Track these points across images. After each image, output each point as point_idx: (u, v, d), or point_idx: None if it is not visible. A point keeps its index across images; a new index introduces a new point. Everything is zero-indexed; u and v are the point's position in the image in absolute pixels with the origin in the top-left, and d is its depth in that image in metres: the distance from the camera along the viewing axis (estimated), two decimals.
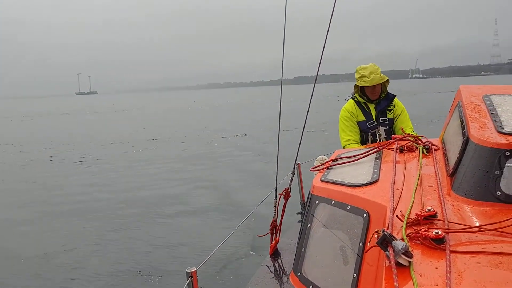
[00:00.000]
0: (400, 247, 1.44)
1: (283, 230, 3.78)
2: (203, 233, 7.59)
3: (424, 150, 2.63)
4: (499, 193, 1.82)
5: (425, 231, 1.58)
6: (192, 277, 2.52)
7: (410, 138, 2.87)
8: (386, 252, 1.47)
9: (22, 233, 8.15)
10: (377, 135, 4.28)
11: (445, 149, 2.54)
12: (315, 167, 2.88)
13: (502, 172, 1.85)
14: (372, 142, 4.23)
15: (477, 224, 1.69)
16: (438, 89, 76.06)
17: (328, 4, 3.40)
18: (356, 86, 4.37)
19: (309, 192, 2.60)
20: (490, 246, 1.52)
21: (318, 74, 3.57)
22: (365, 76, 4.19)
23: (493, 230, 1.60)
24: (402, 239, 1.55)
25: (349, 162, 2.72)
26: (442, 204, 1.83)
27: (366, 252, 1.77)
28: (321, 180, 2.46)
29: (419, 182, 2.12)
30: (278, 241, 3.58)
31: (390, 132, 4.30)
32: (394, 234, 1.55)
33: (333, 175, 2.51)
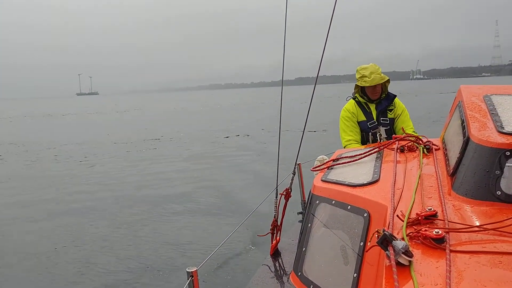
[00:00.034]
0: (400, 247, 1.44)
1: (284, 230, 3.79)
2: (204, 232, 7.60)
3: (425, 150, 2.63)
4: (499, 192, 1.83)
5: (426, 230, 1.58)
6: (192, 276, 2.52)
7: (410, 138, 2.87)
8: (387, 252, 1.47)
9: (32, 231, 8.25)
10: (377, 135, 4.28)
11: (446, 149, 2.54)
12: (316, 167, 2.89)
13: (502, 172, 1.85)
14: (372, 142, 4.23)
15: (477, 223, 1.70)
16: (439, 90, 76.04)
17: (329, 5, 3.41)
18: (356, 86, 4.38)
19: (310, 192, 2.61)
20: (490, 246, 1.52)
21: (319, 75, 3.58)
22: (365, 76, 4.20)
23: (493, 229, 1.60)
24: (403, 239, 1.55)
25: (350, 162, 2.72)
26: (443, 203, 1.83)
27: (367, 251, 1.78)
28: (322, 180, 2.46)
29: (419, 181, 2.12)
30: (278, 241, 3.58)
31: (391, 132, 4.30)
32: (395, 234, 1.55)
33: (334, 175, 2.52)
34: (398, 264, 1.43)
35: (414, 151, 2.71)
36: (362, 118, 4.33)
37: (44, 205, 10.15)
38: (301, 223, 3.53)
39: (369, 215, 1.92)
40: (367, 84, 4.19)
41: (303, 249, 2.31)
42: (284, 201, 3.55)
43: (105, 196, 10.73)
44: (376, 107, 4.35)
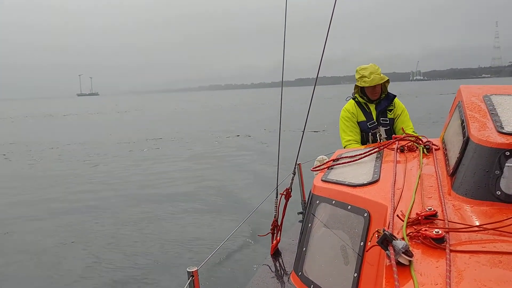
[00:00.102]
0: (400, 247, 1.44)
1: (284, 230, 3.79)
2: (204, 232, 7.63)
3: (425, 150, 2.63)
4: (499, 192, 1.83)
5: (426, 230, 1.58)
6: (193, 276, 2.52)
7: (410, 138, 2.87)
8: (387, 252, 1.47)
9: (38, 229, 8.33)
10: (377, 135, 4.28)
11: (446, 149, 2.54)
12: (316, 167, 2.89)
13: (502, 172, 1.85)
14: (372, 142, 4.23)
15: (477, 223, 1.70)
16: (439, 91, 76.06)
17: (329, 5, 3.41)
18: (356, 86, 4.38)
19: (310, 192, 2.61)
20: (490, 245, 1.52)
21: (319, 76, 3.58)
22: (365, 77, 4.20)
23: (493, 229, 1.60)
24: (403, 239, 1.56)
25: (350, 162, 2.72)
26: (443, 203, 1.84)
27: (367, 251, 1.78)
28: (322, 180, 2.46)
29: (419, 181, 2.12)
30: (279, 241, 3.58)
31: (391, 132, 4.30)
32: (395, 234, 1.55)
33: (334, 175, 2.52)
34: (398, 263, 1.43)
35: (414, 151, 2.71)
36: (362, 118, 4.33)
37: (48, 204, 10.23)
38: (301, 223, 3.54)
39: (369, 215, 1.93)
40: (367, 85, 4.19)
41: (304, 249, 2.31)
42: (285, 201, 3.56)
43: (109, 195, 10.82)
44: (376, 107, 4.35)
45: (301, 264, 2.27)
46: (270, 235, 3.59)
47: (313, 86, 3.60)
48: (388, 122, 4.33)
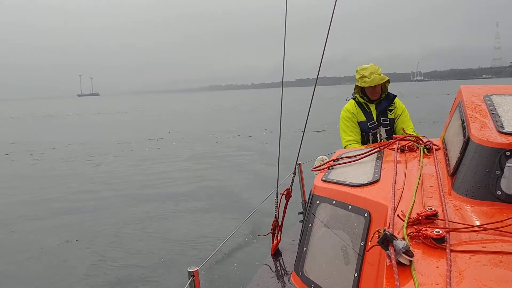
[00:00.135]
0: (401, 247, 1.44)
1: (285, 230, 3.79)
2: (205, 232, 7.63)
3: (425, 150, 2.62)
4: (500, 192, 1.83)
5: (426, 230, 1.58)
6: (194, 276, 2.52)
7: (411, 138, 2.87)
8: (387, 252, 1.47)
9: (39, 228, 8.37)
10: (378, 135, 4.27)
11: (446, 149, 2.54)
12: (316, 167, 2.89)
13: (502, 172, 1.85)
14: (373, 142, 4.23)
15: (478, 223, 1.70)
16: (439, 92, 76.05)
17: (329, 5, 3.41)
18: (356, 86, 4.38)
19: (310, 192, 2.61)
20: (490, 245, 1.52)
21: (319, 76, 3.58)
22: (365, 77, 4.19)
23: (494, 229, 1.60)
24: (403, 239, 1.56)
25: (350, 162, 2.72)
26: (443, 203, 1.83)
27: (367, 251, 1.78)
28: (322, 180, 2.46)
29: (420, 181, 2.12)
30: (279, 241, 3.58)
31: (391, 132, 4.30)
32: (395, 234, 1.55)
33: (334, 175, 2.52)
34: (399, 263, 1.43)
35: (415, 151, 2.71)
36: (362, 118, 4.33)
37: (49, 203, 10.26)
38: (301, 223, 3.54)
39: (369, 215, 1.93)
40: (367, 85, 4.19)
41: (304, 249, 2.31)
42: (285, 201, 3.56)
43: (110, 195, 10.85)
44: (376, 108, 4.35)
45: (301, 264, 2.27)
46: (271, 235, 3.59)
47: (314, 87, 3.61)
48: (388, 122, 4.33)
